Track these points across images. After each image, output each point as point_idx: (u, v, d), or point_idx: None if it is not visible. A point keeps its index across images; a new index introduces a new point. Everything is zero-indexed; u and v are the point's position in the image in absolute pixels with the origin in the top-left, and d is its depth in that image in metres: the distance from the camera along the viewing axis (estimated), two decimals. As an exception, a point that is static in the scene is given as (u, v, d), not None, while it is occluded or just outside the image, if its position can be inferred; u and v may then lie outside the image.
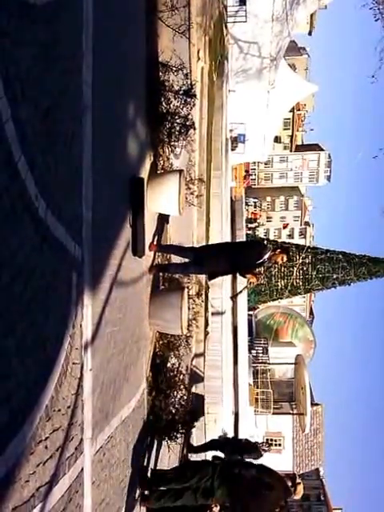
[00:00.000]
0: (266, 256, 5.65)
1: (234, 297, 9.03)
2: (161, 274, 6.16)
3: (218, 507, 4.29)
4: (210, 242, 10.19)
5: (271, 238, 35.74)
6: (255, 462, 4.66)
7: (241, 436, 11.82)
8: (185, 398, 6.03)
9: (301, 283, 17.10)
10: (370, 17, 13.76)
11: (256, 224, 35.77)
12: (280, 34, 15.13)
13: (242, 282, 11.04)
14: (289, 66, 21.09)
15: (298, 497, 4.50)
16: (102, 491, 3.53)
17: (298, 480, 4.60)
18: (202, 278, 9.42)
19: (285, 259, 5.87)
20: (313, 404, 19.62)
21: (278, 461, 15.22)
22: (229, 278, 11.01)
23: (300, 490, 4.49)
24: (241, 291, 10.09)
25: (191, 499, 4.42)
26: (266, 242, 17.52)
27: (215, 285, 10.23)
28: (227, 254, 5.69)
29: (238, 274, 6.63)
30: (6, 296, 2.10)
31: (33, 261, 2.33)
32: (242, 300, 14.31)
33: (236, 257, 5.62)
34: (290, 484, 4.46)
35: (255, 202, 45.41)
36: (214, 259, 5.65)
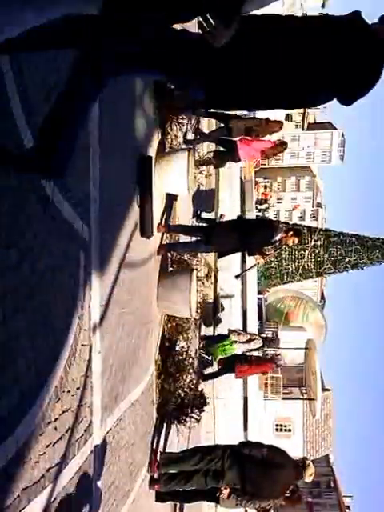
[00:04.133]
0: (278, 237, 5.58)
1: (238, 276, 9.07)
2: (169, 254, 6.12)
3: (228, 489, 4.30)
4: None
5: (282, 219, 35.47)
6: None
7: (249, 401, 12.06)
8: (194, 381, 6.04)
9: (312, 266, 16.94)
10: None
11: (266, 205, 35.51)
12: (292, 6, 14.68)
13: (251, 262, 11.01)
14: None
15: (308, 479, 4.50)
16: (112, 474, 3.55)
17: (308, 461, 4.60)
18: (212, 260, 9.36)
19: (296, 242, 5.84)
20: (323, 389, 19.64)
21: (287, 446, 15.28)
22: (238, 259, 10.97)
23: (311, 471, 4.48)
24: (246, 270, 10.04)
25: (201, 482, 4.43)
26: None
27: (224, 267, 10.18)
28: (238, 232, 5.61)
29: (246, 254, 6.60)
30: (15, 276, 2.07)
31: (41, 240, 2.30)
32: (252, 283, 14.27)
33: (247, 236, 5.54)
34: (300, 465, 4.46)
35: (265, 183, 44.96)
36: (224, 237, 5.57)
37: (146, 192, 4.61)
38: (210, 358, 8.08)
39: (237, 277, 8.95)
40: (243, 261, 11.19)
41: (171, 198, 6.05)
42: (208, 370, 8.35)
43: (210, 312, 9.06)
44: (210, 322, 9.08)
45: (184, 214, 6.97)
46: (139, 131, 4.64)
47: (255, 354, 8.10)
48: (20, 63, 2.09)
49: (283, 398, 19.29)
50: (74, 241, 2.81)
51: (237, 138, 6.73)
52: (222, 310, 9.86)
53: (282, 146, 6.77)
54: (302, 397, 19.97)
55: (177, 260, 6.36)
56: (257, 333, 9.05)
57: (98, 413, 3.18)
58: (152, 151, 5.15)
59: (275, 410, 19.59)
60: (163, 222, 5.66)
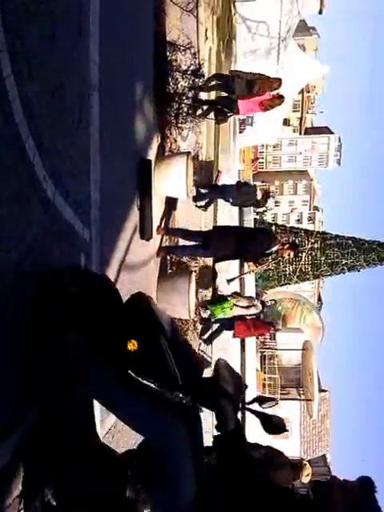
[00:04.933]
0: (274, 248, 5.73)
1: (230, 281, 9.23)
2: (168, 257, 6.15)
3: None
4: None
5: (279, 222, 35.54)
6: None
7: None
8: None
9: (309, 269, 16.97)
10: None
11: (264, 208, 35.57)
12: (289, 13, 14.72)
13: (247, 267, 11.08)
14: (298, 46, 20.62)
15: (305, 480, 4.53)
16: None
17: (305, 462, 4.65)
18: (210, 262, 9.39)
19: (292, 255, 5.99)
20: (320, 390, 19.69)
21: (285, 447, 15.29)
22: (236, 262, 11.02)
23: (307, 472, 4.52)
24: (239, 276, 10.16)
25: None
26: (274, 227, 17.38)
27: (223, 269, 10.21)
28: (236, 239, 5.69)
29: (243, 261, 6.69)
30: (16, 277, 2.08)
31: (41, 242, 2.31)
32: (250, 285, 14.28)
33: (244, 244, 5.63)
34: (297, 466, 4.50)
35: (263, 186, 44.96)
36: (222, 243, 5.64)
37: (145, 195, 4.64)
38: (209, 315, 8.15)
39: (229, 281, 9.06)
40: (241, 265, 11.24)
41: (170, 201, 6.09)
42: (207, 334, 8.45)
43: (210, 276, 9.16)
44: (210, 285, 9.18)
45: (183, 216, 7.00)
46: (139, 135, 4.67)
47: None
48: (21, 67, 2.13)
49: (281, 399, 19.29)
50: (75, 242, 2.83)
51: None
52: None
53: (279, 98, 6.83)
54: (299, 397, 20.01)
55: (176, 262, 6.40)
56: (255, 296, 9.16)
57: (98, 413, 3.20)
58: (152, 154, 5.18)
59: (273, 411, 19.57)
60: (162, 225, 5.70)
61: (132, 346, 1.99)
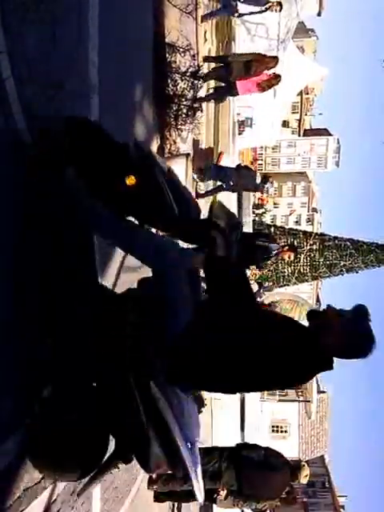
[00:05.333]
0: (274, 252, 5.77)
1: None
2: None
3: (225, 491, 4.31)
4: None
5: (278, 224, 35.56)
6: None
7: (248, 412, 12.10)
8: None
9: (308, 270, 17.00)
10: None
11: (263, 210, 35.59)
12: (288, 14, 14.74)
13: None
14: (297, 48, 20.67)
15: (304, 481, 4.53)
16: (111, 474, 3.55)
17: (304, 463, 4.65)
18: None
19: (292, 258, 6.05)
20: (319, 391, 19.72)
21: (283, 447, 15.31)
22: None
23: (306, 473, 4.52)
24: None
25: None
26: (272, 228, 17.40)
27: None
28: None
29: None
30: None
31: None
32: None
33: (244, 248, 5.67)
34: (296, 467, 4.50)
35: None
36: None
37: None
38: None
39: None
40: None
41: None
42: None
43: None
44: None
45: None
46: (139, 136, 4.67)
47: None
48: (21, 68, 2.13)
49: (279, 400, 19.31)
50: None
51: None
52: None
53: (276, 78, 6.91)
54: (297, 399, 20.03)
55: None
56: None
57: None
58: (151, 156, 5.18)
59: (271, 412, 19.63)
60: (161, 227, 5.69)
61: (130, 180, 2.03)
